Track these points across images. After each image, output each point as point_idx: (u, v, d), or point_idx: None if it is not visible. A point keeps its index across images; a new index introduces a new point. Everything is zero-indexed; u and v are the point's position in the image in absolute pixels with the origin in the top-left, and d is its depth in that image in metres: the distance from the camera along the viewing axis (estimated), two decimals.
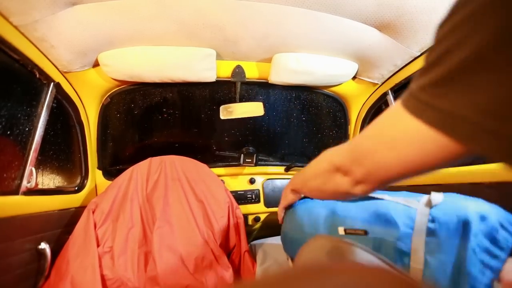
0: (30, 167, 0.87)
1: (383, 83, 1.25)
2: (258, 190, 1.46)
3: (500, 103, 0.22)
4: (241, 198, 1.41)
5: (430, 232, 0.65)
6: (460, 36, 0.24)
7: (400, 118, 0.32)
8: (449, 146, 0.27)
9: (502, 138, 0.23)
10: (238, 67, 1.22)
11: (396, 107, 0.33)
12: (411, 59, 1.05)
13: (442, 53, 0.26)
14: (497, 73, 0.22)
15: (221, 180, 1.30)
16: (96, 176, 1.27)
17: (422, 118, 0.29)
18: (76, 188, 1.15)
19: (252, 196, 1.44)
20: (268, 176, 1.50)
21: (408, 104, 0.31)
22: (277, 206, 0.90)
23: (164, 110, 1.37)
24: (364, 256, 0.41)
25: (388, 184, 0.38)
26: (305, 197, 0.87)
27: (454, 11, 0.25)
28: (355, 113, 1.46)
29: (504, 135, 0.23)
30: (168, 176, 1.17)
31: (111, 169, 1.33)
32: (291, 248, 0.89)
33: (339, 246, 0.42)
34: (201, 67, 1.13)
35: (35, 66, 0.86)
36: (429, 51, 0.29)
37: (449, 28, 0.26)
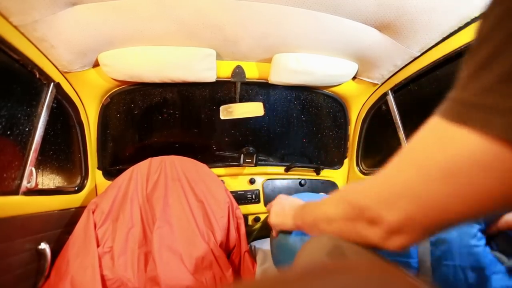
0: (30, 167, 0.87)
1: (383, 83, 1.25)
2: (258, 190, 1.46)
3: None
4: (241, 198, 1.41)
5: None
6: None
7: (454, 137, 0.23)
8: None
9: None
10: (238, 67, 1.22)
11: (439, 125, 0.25)
12: (411, 59, 1.05)
13: (495, 50, 0.21)
14: None
15: (221, 180, 1.30)
16: (96, 176, 1.27)
17: (494, 132, 0.20)
18: (76, 188, 1.15)
19: (252, 196, 1.44)
20: (268, 176, 1.50)
21: (463, 117, 0.22)
22: None
23: (164, 110, 1.37)
24: (365, 255, 0.40)
25: (439, 231, 0.28)
26: None
27: (497, 1, 0.21)
28: (355, 113, 1.46)
29: None
30: (168, 176, 1.17)
31: (111, 169, 1.33)
32: (282, 257, 0.78)
33: (340, 245, 0.42)
34: (201, 67, 1.13)
35: (35, 66, 0.86)
36: (474, 50, 0.23)
37: (502, 14, 0.20)
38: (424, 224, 0.27)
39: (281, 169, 1.50)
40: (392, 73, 1.17)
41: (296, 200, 0.69)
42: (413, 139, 0.28)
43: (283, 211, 0.67)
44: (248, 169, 1.45)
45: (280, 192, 1.35)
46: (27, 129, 0.87)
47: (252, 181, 1.46)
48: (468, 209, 0.24)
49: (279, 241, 0.74)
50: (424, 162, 0.26)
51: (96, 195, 1.23)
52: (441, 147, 0.24)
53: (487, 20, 0.22)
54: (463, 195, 0.23)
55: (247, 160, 1.38)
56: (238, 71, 1.23)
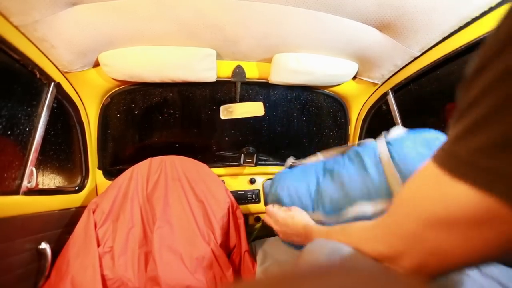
0: (30, 167, 0.87)
1: (383, 83, 1.25)
2: (258, 190, 1.46)
3: None
4: (241, 198, 1.42)
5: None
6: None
7: (456, 192, 0.24)
8: None
9: None
10: (238, 67, 1.22)
11: (437, 176, 0.26)
12: (411, 59, 1.05)
13: (491, 111, 0.22)
14: None
15: (221, 180, 1.30)
16: (96, 176, 1.27)
17: (492, 192, 0.22)
18: (77, 188, 1.16)
19: (252, 196, 1.44)
20: (268, 176, 1.50)
21: (462, 174, 0.24)
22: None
23: (165, 110, 1.37)
24: (363, 259, 0.41)
25: (450, 271, 0.29)
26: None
27: (487, 63, 0.22)
28: (355, 113, 1.46)
29: None
30: (168, 176, 1.17)
31: (112, 169, 1.33)
32: None
33: (339, 248, 0.42)
34: (201, 67, 1.13)
35: (36, 66, 0.87)
36: (469, 105, 0.24)
37: (494, 78, 0.22)
38: (437, 267, 0.28)
39: (281, 169, 1.50)
40: (392, 73, 1.17)
41: (298, 223, 0.71)
42: (411, 185, 0.29)
43: (287, 234, 0.72)
44: (248, 169, 1.46)
45: None
46: (27, 129, 0.87)
47: (252, 181, 1.46)
48: (469, 256, 0.25)
49: None
50: (432, 214, 0.27)
51: (97, 195, 1.23)
52: (439, 198, 0.26)
53: (480, 80, 0.23)
54: (471, 244, 0.24)
55: (247, 160, 1.38)
56: (238, 71, 1.23)
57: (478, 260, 0.26)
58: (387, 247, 0.33)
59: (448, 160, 0.25)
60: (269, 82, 1.26)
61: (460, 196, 0.24)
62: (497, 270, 0.66)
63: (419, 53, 1.00)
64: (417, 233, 0.28)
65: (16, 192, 0.82)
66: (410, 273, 0.31)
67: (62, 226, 1.01)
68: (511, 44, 0.21)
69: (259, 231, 1.52)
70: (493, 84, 0.22)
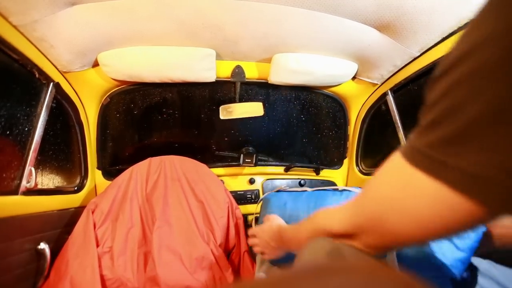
0: (29, 167, 0.87)
1: (382, 83, 1.26)
2: (258, 190, 1.46)
3: (505, 165, 0.21)
4: (241, 198, 1.42)
5: None
6: (470, 91, 0.23)
7: (411, 178, 0.28)
8: (473, 208, 0.24)
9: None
10: (238, 67, 1.22)
11: (400, 165, 0.29)
12: (410, 60, 1.05)
13: (449, 108, 0.24)
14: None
15: (221, 180, 1.30)
16: (95, 176, 1.27)
17: (440, 179, 0.25)
18: (76, 188, 1.15)
19: (251, 196, 1.44)
20: (268, 176, 1.50)
21: (419, 163, 0.27)
22: None
23: (164, 110, 1.37)
24: (363, 257, 0.41)
25: (406, 246, 0.35)
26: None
27: (455, 64, 0.24)
28: (355, 113, 1.47)
29: None
30: (168, 176, 1.17)
31: (111, 169, 1.33)
32: None
33: (339, 248, 0.42)
34: (201, 67, 1.13)
35: (35, 66, 0.86)
36: (430, 105, 0.27)
37: (453, 82, 0.24)
38: (392, 243, 0.33)
39: (280, 169, 1.50)
40: (391, 73, 1.17)
41: (273, 226, 0.75)
42: (379, 173, 0.33)
43: (269, 246, 0.74)
44: (248, 169, 1.45)
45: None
46: (26, 129, 0.87)
47: (251, 181, 1.46)
48: (424, 234, 0.29)
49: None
50: (390, 197, 0.31)
51: (96, 195, 1.23)
52: (402, 186, 0.30)
53: (442, 83, 0.26)
54: (421, 224, 0.28)
55: (246, 160, 1.38)
56: (238, 71, 1.23)
57: (429, 239, 0.31)
58: (351, 226, 0.37)
59: (410, 152, 0.29)
60: (269, 82, 1.26)
61: (416, 183, 0.27)
62: (496, 271, 0.66)
63: (419, 54, 1.00)
64: (379, 215, 0.32)
65: (15, 192, 0.82)
66: (367, 248, 0.36)
67: (61, 226, 1.01)
68: (467, 57, 0.23)
69: None
70: (449, 88, 0.25)
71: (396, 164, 0.31)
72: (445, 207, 0.26)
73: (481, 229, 0.67)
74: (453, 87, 0.24)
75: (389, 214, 0.31)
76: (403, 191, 0.29)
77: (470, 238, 0.64)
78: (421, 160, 0.27)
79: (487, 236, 0.67)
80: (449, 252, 0.63)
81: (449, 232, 0.28)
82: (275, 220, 0.81)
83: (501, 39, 0.20)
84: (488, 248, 0.67)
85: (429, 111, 0.27)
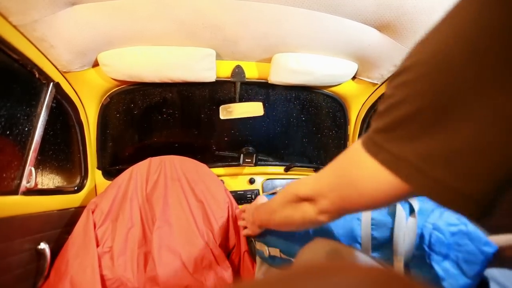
0: (29, 167, 0.87)
1: (382, 83, 1.25)
2: (258, 190, 1.46)
3: (429, 151, 0.28)
4: (241, 198, 1.41)
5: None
6: (407, 94, 0.29)
7: (360, 157, 0.35)
8: (397, 184, 0.31)
9: (430, 180, 0.28)
10: (238, 67, 1.22)
11: (356, 145, 0.37)
12: None
13: (392, 104, 0.31)
14: (430, 128, 0.27)
15: (221, 180, 1.30)
16: (95, 176, 1.27)
17: (377, 159, 0.33)
18: (76, 188, 1.15)
19: (251, 196, 1.44)
20: (268, 176, 1.50)
21: (366, 145, 0.35)
22: None
23: (164, 110, 1.37)
24: (362, 258, 0.41)
25: (353, 213, 0.43)
26: None
27: (406, 68, 0.30)
28: (355, 113, 1.46)
29: (431, 178, 0.28)
30: (168, 176, 1.17)
31: (111, 169, 1.33)
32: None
33: (338, 248, 0.43)
34: (201, 67, 1.13)
35: (35, 66, 0.86)
36: (383, 98, 0.34)
37: (399, 83, 0.31)
38: (342, 209, 0.42)
39: (281, 169, 1.50)
40: (392, 73, 1.17)
41: (256, 203, 0.85)
42: (344, 153, 0.41)
43: (251, 223, 0.82)
44: (248, 169, 1.45)
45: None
46: (26, 128, 0.87)
47: (251, 181, 1.46)
48: (366, 203, 0.37)
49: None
50: (344, 170, 0.40)
51: (96, 195, 1.23)
52: (353, 163, 0.38)
53: (394, 80, 0.32)
54: (363, 195, 0.36)
55: (246, 160, 1.38)
56: (238, 71, 1.23)
57: (372, 207, 0.38)
58: (313, 191, 0.46)
59: (364, 137, 0.36)
60: (269, 82, 1.26)
61: (363, 160, 0.35)
62: (497, 272, 0.66)
63: None
64: (337, 185, 0.41)
65: (15, 192, 0.82)
66: (322, 212, 0.45)
67: (61, 226, 1.01)
68: (409, 69, 0.30)
69: None
70: (395, 88, 0.31)
71: (354, 146, 0.38)
72: (381, 181, 0.33)
73: (491, 250, 0.63)
74: (397, 89, 0.31)
75: (341, 185, 0.40)
76: (354, 166, 0.37)
77: (478, 263, 0.62)
78: (367, 142, 0.35)
79: (498, 258, 0.65)
80: (454, 278, 0.61)
81: (385, 202, 0.36)
82: (259, 199, 0.91)
83: (427, 63, 0.28)
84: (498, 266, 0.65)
85: (381, 104, 0.34)
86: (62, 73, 1.03)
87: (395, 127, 0.30)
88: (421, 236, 0.66)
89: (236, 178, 1.46)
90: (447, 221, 0.67)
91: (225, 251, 1.09)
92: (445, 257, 0.63)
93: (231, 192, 1.30)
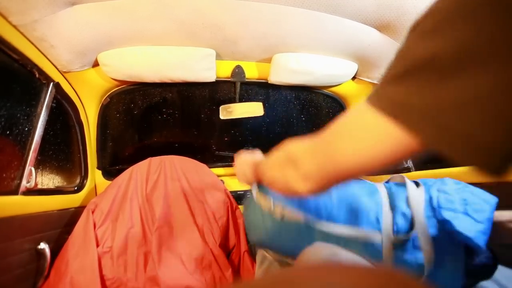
0: (29, 167, 0.86)
1: None
2: None
3: (440, 100, 0.25)
4: (241, 198, 1.41)
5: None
6: (410, 44, 0.28)
7: (361, 111, 0.33)
8: (401, 137, 0.29)
9: (441, 128, 0.26)
10: (238, 67, 1.22)
11: (360, 105, 0.34)
12: None
13: (398, 56, 0.30)
14: (443, 78, 0.25)
15: (221, 180, 1.30)
16: (95, 176, 1.27)
17: (379, 108, 0.30)
18: (76, 188, 1.15)
19: (252, 197, 1.44)
20: None
21: (370, 98, 0.32)
22: None
23: (164, 110, 1.37)
24: (361, 262, 0.41)
25: (335, 184, 0.38)
26: None
27: (414, 27, 0.29)
28: None
29: (443, 125, 0.25)
30: (168, 176, 1.17)
31: (111, 169, 1.33)
32: (253, 232, 0.91)
33: (337, 252, 0.43)
34: (201, 67, 1.13)
35: (35, 66, 0.86)
36: (396, 52, 0.31)
37: (409, 39, 0.29)
38: (327, 174, 0.37)
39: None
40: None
41: (254, 157, 0.76)
42: (347, 115, 0.36)
43: (245, 171, 0.74)
44: None
45: None
46: (26, 128, 0.87)
47: None
48: (358, 163, 0.33)
49: (248, 217, 0.88)
50: (342, 126, 0.36)
51: (96, 195, 1.23)
52: (354, 117, 0.34)
53: (406, 41, 0.29)
54: (357, 151, 0.33)
55: None
56: (238, 71, 1.23)
57: (368, 169, 0.34)
58: (302, 149, 0.41)
59: (368, 97, 0.33)
60: (269, 82, 1.26)
61: (364, 115, 0.32)
62: (498, 273, 0.66)
63: None
64: (328, 140, 0.37)
65: (15, 192, 0.82)
66: (306, 179, 0.40)
67: (61, 226, 1.01)
68: (421, 24, 0.28)
69: None
70: (405, 49, 0.29)
71: (360, 104, 0.34)
72: (381, 133, 0.30)
73: (494, 200, 0.69)
74: (414, 39, 0.29)
75: (334, 141, 0.36)
76: (352, 121, 0.34)
77: (485, 210, 0.67)
78: (373, 96, 0.32)
79: (498, 230, 0.67)
80: (469, 225, 0.65)
81: (382, 162, 0.32)
82: (256, 154, 0.81)
83: (451, 11, 0.25)
84: (499, 241, 0.68)
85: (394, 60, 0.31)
86: (62, 73, 1.03)
87: (402, 77, 0.28)
88: (430, 201, 0.72)
89: (236, 178, 1.46)
90: (449, 185, 0.73)
91: (225, 251, 1.09)
92: (455, 211, 0.68)
93: (231, 192, 1.30)
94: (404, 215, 0.72)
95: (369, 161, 0.32)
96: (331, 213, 0.75)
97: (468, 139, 0.25)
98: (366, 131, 0.32)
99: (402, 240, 0.68)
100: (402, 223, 0.71)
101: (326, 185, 0.39)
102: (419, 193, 0.73)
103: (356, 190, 0.79)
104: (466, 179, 0.86)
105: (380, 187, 0.80)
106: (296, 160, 0.41)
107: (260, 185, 0.79)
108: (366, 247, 0.70)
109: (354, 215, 0.73)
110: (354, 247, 0.69)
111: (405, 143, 0.29)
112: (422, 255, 0.67)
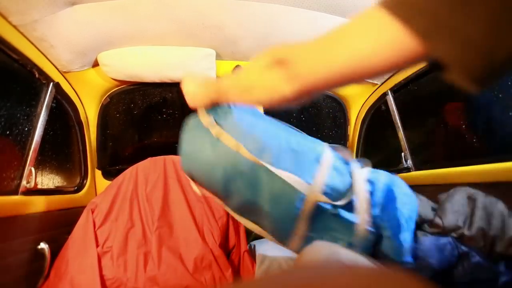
0: (29, 167, 0.86)
1: (382, 83, 1.25)
2: None
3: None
4: None
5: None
6: None
7: (358, 14, 0.31)
8: (396, 31, 0.27)
9: (430, 19, 0.24)
10: (238, 67, 1.22)
11: (377, 11, 0.31)
12: None
13: None
14: None
15: None
16: (95, 176, 1.27)
17: (383, 6, 0.28)
18: (76, 188, 1.15)
19: None
20: None
21: (394, 9, 0.29)
22: None
23: (164, 110, 1.37)
24: (361, 261, 0.41)
25: (322, 88, 0.37)
26: None
27: None
28: (355, 113, 1.46)
29: (431, 16, 0.24)
30: (168, 176, 1.17)
31: (111, 169, 1.32)
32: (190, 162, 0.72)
33: (337, 251, 0.43)
34: (201, 67, 1.13)
35: (35, 66, 0.86)
36: None
37: None
38: (316, 74, 0.35)
39: None
40: (391, 73, 1.17)
41: (204, 77, 0.68)
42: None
43: (196, 91, 0.65)
44: None
45: None
46: (26, 128, 0.87)
47: None
48: (350, 65, 0.32)
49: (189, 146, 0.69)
50: (340, 27, 0.33)
51: (96, 195, 1.23)
52: (355, 18, 0.32)
53: None
54: (351, 49, 0.31)
55: None
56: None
57: (354, 75, 0.32)
58: (292, 50, 0.40)
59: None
60: None
61: (368, 17, 0.30)
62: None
63: None
64: (322, 38, 0.35)
65: (15, 192, 0.82)
66: (292, 76, 0.38)
67: (61, 226, 1.00)
68: None
69: None
70: None
71: (372, 12, 0.31)
72: (383, 32, 0.28)
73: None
74: None
75: (329, 39, 0.34)
76: (353, 21, 0.32)
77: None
78: (394, 7, 0.29)
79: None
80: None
81: (376, 65, 0.30)
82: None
83: None
84: None
85: None
86: (62, 73, 1.03)
87: None
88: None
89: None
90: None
91: (225, 251, 1.09)
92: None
93: None
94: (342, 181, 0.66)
95: (362, 62, 0.31)
96: (277, 154, 0.66)
97: (457, 32, 0.24)
98: (362, 29, 0.31)
99: (327, 202, 0.62)
100: (337, 184, 0.65)
101: (312, 88, 0.38)
102: (363, 171, 0.69)
103: (307, 142, 0.74)
104: (466, 179, 0.86)
105: (327, 151, 0.73)
106: (286, 60, 0.40)
107: (212, 107, 0.69)
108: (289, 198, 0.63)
109: (296, 162, 0.66)
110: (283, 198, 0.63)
111: (400, 41, 0.27)
112: (346, 223, 0.63)
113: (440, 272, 0.60)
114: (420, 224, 0.70)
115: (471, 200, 0.68)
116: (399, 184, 0.69)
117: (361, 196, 0.63)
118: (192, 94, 0.66)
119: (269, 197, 0.63)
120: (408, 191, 0.69)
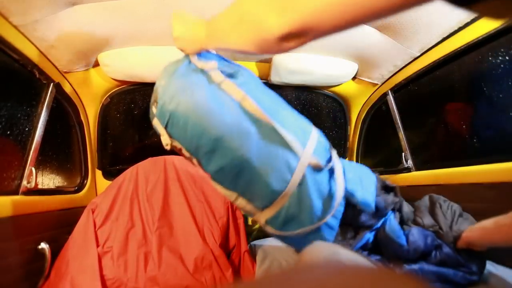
0: (30, 167, 0.87)
1: (383, 83, 1.25)
2: None
3: None
4: None
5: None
6: None
7: None
8: None
9: None
10: None
11: None
12: (411, 60, 1.05)
13: None
14: None
15: None
16: (95, 176, 1.27)
17: None
18: (76, 188, 1.15)
19: None
20: None
21: None
22: None
23: None
24: (361, 260, 0.41)
25: (314, 29, 0.35)
26: None
27: None
28: (355, 113, 1.46)
29: None
30: (168, 176, 1.17)
31: (111, 169, 1.33)
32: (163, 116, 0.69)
33: (337, 251, 0.43)
34: None
35: (35, 66, 0.86)
36: None
37: None
38: (310, 22, 0.34)
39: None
40: (392, 73, 1.17)
41: (197, 17, 0.65)
42: None
43: (187, 33, 0.63)
44: None
45: None
46: (27, 129, 0.87)
47: None
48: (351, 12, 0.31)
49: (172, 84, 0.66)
50: None
51: (96, 195, 1.23)
52: None
53: None
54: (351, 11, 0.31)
55: None
56: None
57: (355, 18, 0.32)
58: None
59: None
60: (269, 82, 1.26)
61: None
62: (496, 271, 0.67)
63: (419, 54, 1.00)
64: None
65: (15, 192, 0.82)
66: (288, 22, 0.35)
67: (62, 226, 1.01)
68: None
69: (259, 231, 1.51)
70: None
71: None
72: None
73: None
74: None
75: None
76: None
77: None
78: None
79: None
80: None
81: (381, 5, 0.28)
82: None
83: None
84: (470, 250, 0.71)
85: None
86: (63, 73, 1.03)
87: None
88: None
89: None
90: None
91: (225, 251, 1.09)
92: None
93: None
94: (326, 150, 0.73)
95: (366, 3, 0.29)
96: (276, 111, 0.69)
97: None
98: None
99: (318, 165, 0.67)
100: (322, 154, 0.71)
101: (302, 26, 0.35)
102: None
103: (300, 116, 0.76)
104: (466, 179, 0.86)
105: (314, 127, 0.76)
106: (283, 8, 0.37)
107: (203, 52, 0.67)
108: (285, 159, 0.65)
109: (293, 129, 0.69)
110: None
111: None
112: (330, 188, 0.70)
113: (422, 255, 0.76)
114: (406, 221, 0.85)
115: (433, 203, 0.85)
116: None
117: (338, 167, 0.71)
118: (182, 39, 0.63)
119: (263, 154, 0.66)
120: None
